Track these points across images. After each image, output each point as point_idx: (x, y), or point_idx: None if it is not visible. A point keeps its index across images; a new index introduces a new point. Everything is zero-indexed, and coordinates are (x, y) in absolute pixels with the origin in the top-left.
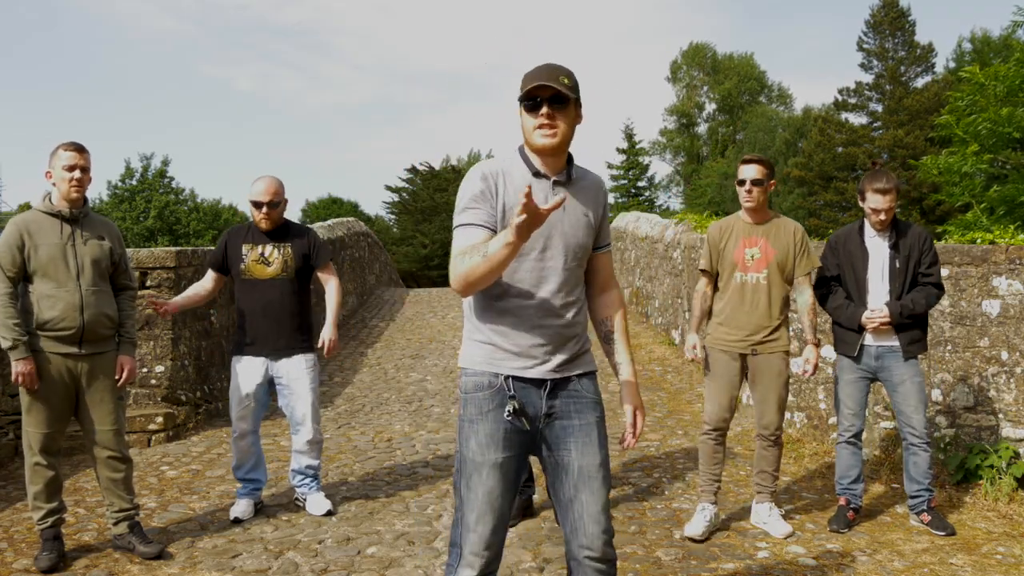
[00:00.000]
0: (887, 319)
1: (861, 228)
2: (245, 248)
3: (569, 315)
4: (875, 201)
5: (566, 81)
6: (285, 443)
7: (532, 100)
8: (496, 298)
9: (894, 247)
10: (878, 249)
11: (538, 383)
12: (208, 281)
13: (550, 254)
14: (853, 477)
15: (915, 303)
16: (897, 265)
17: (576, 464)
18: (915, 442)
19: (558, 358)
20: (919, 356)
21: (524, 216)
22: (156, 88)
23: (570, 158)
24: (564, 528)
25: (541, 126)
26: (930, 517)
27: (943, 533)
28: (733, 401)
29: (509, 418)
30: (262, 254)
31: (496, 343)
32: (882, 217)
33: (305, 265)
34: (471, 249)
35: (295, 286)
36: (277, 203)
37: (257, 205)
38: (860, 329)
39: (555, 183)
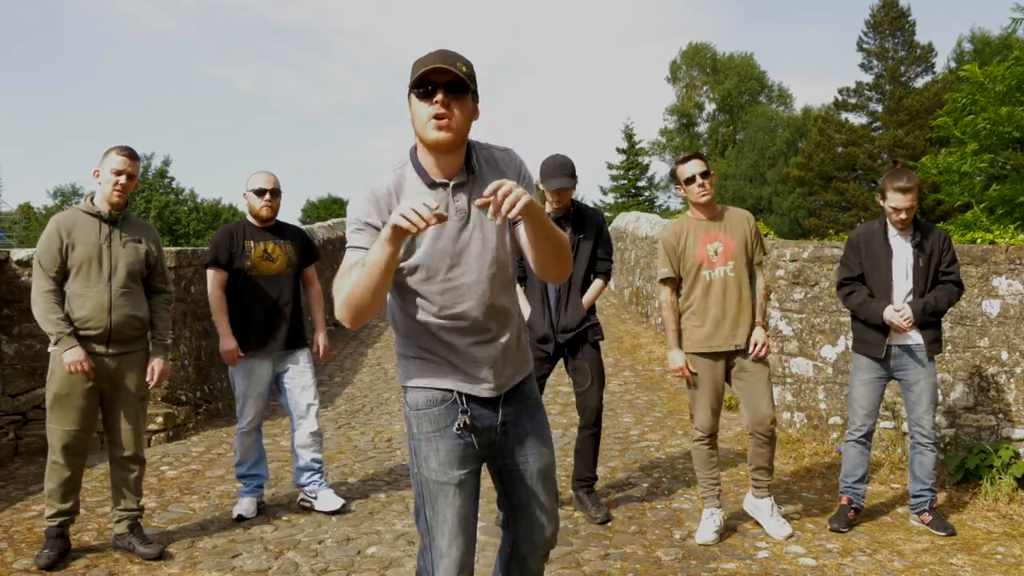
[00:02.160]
0: (911, 318)
1: (884, 226)
2: (247, 245)
3: (498, 326)
4: (896, 200)
5: (464, 68)
6: (285, 443)
7: (425, 86)
8: (416, 322)
9: (918, 246)
10: (901, 248)
11: (490, 399)
12: (218, 285)
13: (460, 271)
14: (858, 476)
15: (938, 301)
16: (920, 264)
17: (533, 468)
18: (924, 442)
19: (502, 371)
20: (936, 355)
21: (403, 221)
22: (156, 88)
23: (468, 149)
24: (516, 529)
25: (436, 116)
26: (931, 517)
27: (943, 533)
28: (720, 405)
29: (458, 432)
30: (266, 250)
31: (429, 359)
32: (903, 216)
33: (301, 261)
34: (347, 269)
35: (295, 281)
36: (278, 192)
37: (260, 192)
38: (884, 329)
39: (455, 187)
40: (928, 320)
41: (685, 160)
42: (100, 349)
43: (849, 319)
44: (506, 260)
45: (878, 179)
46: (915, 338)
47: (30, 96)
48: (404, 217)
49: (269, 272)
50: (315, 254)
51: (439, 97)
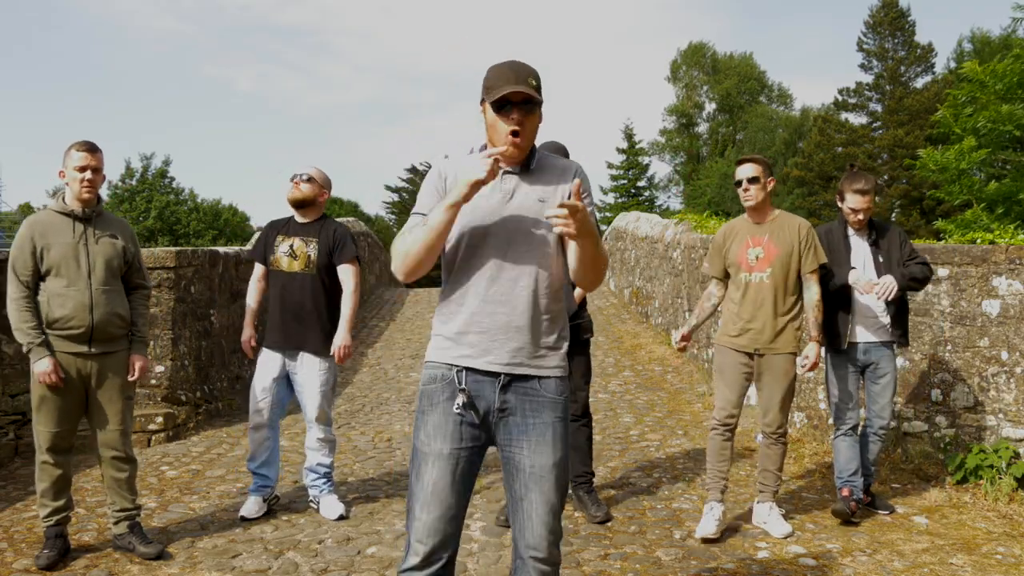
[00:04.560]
0: (895, 288)
1: (844, 226)
2: (279, 239)
3: (519, 304)
4: (855, 201)
5: (533, 83)
6: (285, 443)
7: (502, 104)
8: (448, 291)
9: (875, 244)
10: (859, 245)
11: (492, 376)
12: (254, 277)
13: (491, 242)
14: (853, 469)
15: (913, 272)
16: (880, 259)
17: (528, 463)
18: (880, 433)
19: (508, 349)
20: (901, 349)
21: (473, 174)
22: (156, 88)
23: (532, 151)
24: (513, 526)
25: (512, 132)
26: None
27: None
28: (742, 398)
29: (458, 410)
30: (291, 247)
31: (444, 334)
32: (860, 217)
33: (331, 261)
34: (409, 229)
35: (318, 282)
36: (310, 178)
37: (292, 177)
38: (845, 315)
39: (507, 172)
40: (911, 285)
41: (741, 162)
42: (82, 349)
43: None
44: (539, 244)
45: (877, 180)
46: (881, 336)
47: (30, 96)
48: (480, 169)
49: (288, 269)
50: (348, 255)
51: (515, 115)
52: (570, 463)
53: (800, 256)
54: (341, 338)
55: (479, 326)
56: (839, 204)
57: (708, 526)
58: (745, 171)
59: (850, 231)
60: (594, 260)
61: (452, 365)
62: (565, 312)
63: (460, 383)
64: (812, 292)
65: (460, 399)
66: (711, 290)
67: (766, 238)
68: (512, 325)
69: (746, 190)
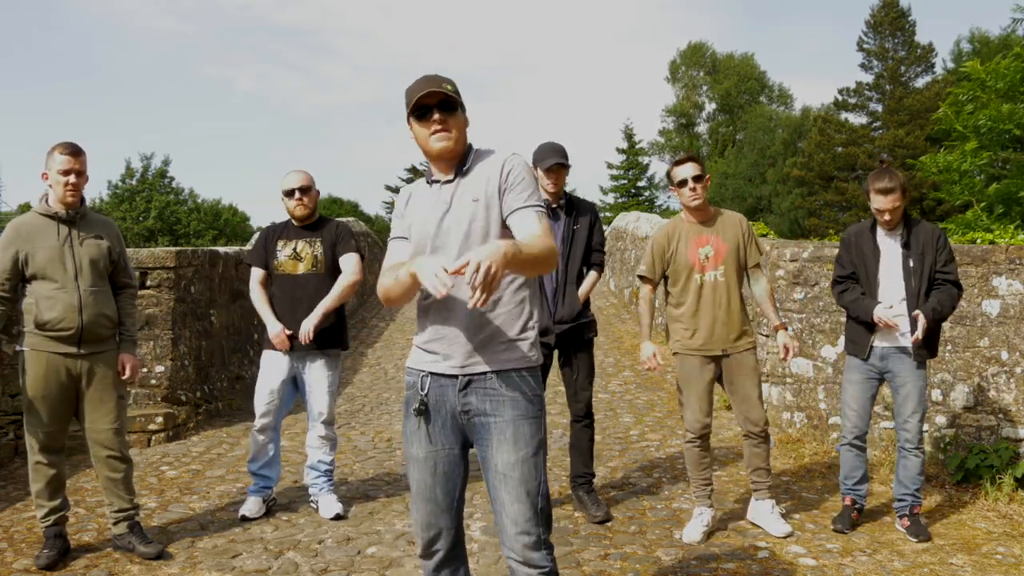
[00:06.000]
0: (926, 327)
1: (874, 226)
2: (280, 244)
3: (469, 308)
4: (878, 202)
5: (449, 88)
6: (285, 443)
7: (422, 109)
8: (419, 302)
9: (906, 245)
10: (890, 247)
11: (452, 379)
12: (254, 282)
13: (440, 252)
14: (857, 478)
15: (942, 305)
16: (911, 264)
17: (493, 461)
18: (907, 447)
19: (465, 351)
20: (926, 360)
21: (426, 279)
22: (156, 88)
23: (468, 151)
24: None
25: (435, 132)
26: (909, 522)
27: (916, 540)
28: (711, 406)
29: (415, 413)
30: (294, 249)
31: (417, 343)
32: (887, 217)
33: (333, 259)
34: (391, 268)
35: (327, 282)
36: (308, 188)
37: (289, 193)
38: (870, 329)
39: (443, 183)
40: (938, 320)
41: (679, 163)
42: (72, 350)
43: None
44: (485, 239)
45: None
46: (899, 341)
47: (30, 96)
48: (430, 280)
49: (294, 271)
50: (350, 248)
51: (436, 116)
52: (571, 464)
53: (745, 249)
54: (311, 322)
55: (438, 332)
56: (869, 204)
57: (695, 532)
58: (689, 170)
59: (880, 232)
60: (533, 269)
61: (419, 371)
62: (533, 299)
63: (422, 388)
64: (761, 284)
65: (416, 404)
66: (646, 295)
67: (713, 236)
68: (469, 325)
69: (693, 189)
